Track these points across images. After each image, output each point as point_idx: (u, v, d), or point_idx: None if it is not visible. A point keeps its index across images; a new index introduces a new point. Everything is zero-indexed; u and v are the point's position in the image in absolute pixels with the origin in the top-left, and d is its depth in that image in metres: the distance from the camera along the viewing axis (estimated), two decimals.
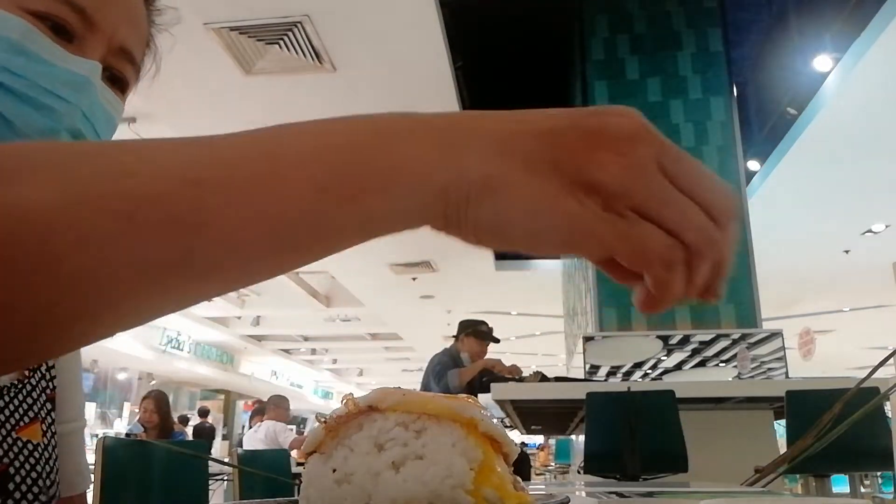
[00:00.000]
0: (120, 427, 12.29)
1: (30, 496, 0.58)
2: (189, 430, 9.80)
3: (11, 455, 0.57)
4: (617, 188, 0.30)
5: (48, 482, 0.61)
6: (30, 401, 0.61)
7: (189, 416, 11.30)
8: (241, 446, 7.57)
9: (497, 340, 4.51)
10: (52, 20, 0.56)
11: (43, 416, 0.63)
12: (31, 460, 0.59)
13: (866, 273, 8.39)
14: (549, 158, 0.30)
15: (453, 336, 4.54)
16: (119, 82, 0.62)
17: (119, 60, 0.61)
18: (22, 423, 0.59)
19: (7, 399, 0.59)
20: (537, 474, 9.35)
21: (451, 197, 0.30)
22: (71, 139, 0.59)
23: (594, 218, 0.30)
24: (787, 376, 4.04)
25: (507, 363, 4.26)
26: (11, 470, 0.57)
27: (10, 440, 0.58)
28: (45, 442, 0.62)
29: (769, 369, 4.04)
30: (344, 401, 0.41)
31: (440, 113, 0.32)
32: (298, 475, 0.43)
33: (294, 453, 4.86)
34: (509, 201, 0.30)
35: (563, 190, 0.30)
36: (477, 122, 0.31)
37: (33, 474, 0.59)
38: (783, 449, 3.45)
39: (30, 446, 0.59)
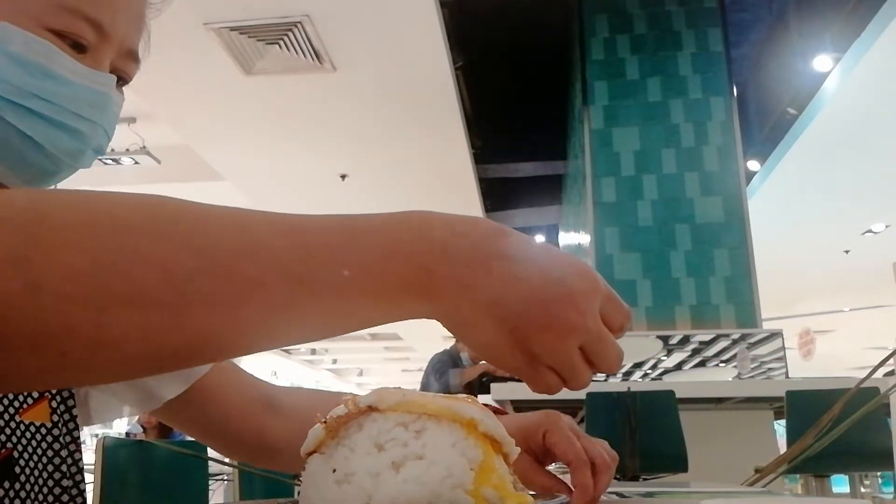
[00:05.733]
0: (119, 427, 12.27)
1: (41, 480, 0.57)
2: None
3: (14, 439, 0.56)
4: (545, 359, 0.44)
5: (53, 462, 0.59)
6: None
7: None
8: None
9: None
10: (71, 38, 0.57)
11: (53, 392, 0.61)
12: (34, 442, 0.58)
13: (866, 273, 8.38)
14: (512, 322, 0.42)
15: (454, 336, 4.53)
16: (122, 80, 0.64)
17: (125, 62, 0.63)
18: (27, 405, 0.58)
19: None
20: None
21: (435, 314, 0.42)
22: (94, 155, 0.62)
23: (523, 366, 0.45)
24: (787, 376, 4.03)
25: None
26: (16, 454, 0.56)
27: (12, 425, 0.57)
28: (55, 420, 0.60)
29: (769, 369, 4.04)
30: (344, 401, 0.41)
31: (465, 242, 0.42)
32: (298, 475, 0.44)
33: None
34: (474, 338, 0.43)
35: (510, 344, 0.43)
36: (483, 276, 0.41)
37: (43, 459, 0.57)
38: (783, 449, 3.45)
39: (32, 428, 0.58)
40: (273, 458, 0.79)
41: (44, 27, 0.56)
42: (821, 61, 5.07)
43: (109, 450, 1.70)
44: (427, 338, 12.75)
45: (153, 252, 0.35)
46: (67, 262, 0.33)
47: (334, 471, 0.39)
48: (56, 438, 0.60)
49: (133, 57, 0.64)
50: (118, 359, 0.35)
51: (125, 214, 0.35)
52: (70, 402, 0.63)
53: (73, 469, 0.62)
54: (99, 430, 12.03)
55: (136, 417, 5.68)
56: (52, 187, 0.61)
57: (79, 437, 0.64)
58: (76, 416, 0.64)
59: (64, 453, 0.61)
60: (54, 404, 0.61)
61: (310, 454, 0.42)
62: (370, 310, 0.40)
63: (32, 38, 0.55)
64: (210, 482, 2.65)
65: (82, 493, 0.62)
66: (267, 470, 2.43)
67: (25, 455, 0.57)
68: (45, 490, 0.58)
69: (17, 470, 0.56)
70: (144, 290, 0.34)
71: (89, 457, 1.99)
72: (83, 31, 0.57)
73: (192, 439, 0.85)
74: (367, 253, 0.40)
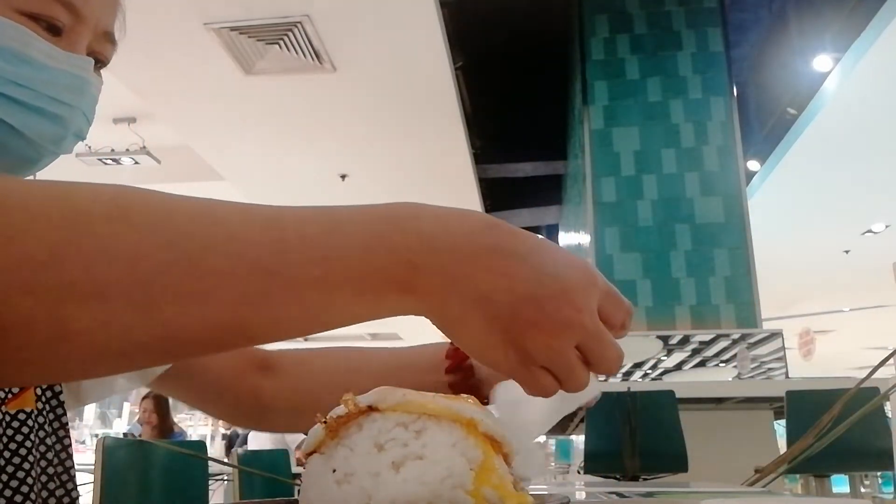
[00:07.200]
0: (119, 427, 12.27)
1: (25, 465, 0.56)
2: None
3: (0, 430, 0.55)
4: (539, 359, 0.42)
5: (39, 449, 0.57)
6: None
7: (189, 416, 11.27)
8: (245, 445, 7.54)
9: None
10: (45, 21, 0.56)
11: None
12: (24, 430, 0.56)
13: (866, 273, 8.39)
14: (504, 320, 0.40)
15: None
16: (101, 63, 0.63)
17: (101, 44, 0.62)
18: (11, 394, 0.57)
19: None
20: None
21: (422, 311, 0.41)
22: (75, 140, 0.61)
23: (516, 367, 0.42)
24: (787, 376, 4.03)
25: None
26: (0, 445, 0.55)
27: None
28: (40, 407, 0.59)
29: (769, 369, 4.04)
30: (344, 401, 0.41)
31: (457, 242, 0.40)
32: (298, 475, 0.44)
33: (297, 453, 4.85)
34: (463, 336, 0.42)
35: (502, 342, 0.41)
36: (471, 270, 0.40)
37: (27, 444, 0.56)
38: (783, 449, 3.45)
39: (21, 416, 0.57)
40: (272, 418, 0.78)
41: (16, 10, 0.55)
42: (821, 61, 5.07)
43: (109, 450, 1.70)
44: (427, 338, 12.71)
45: (118, 244, 0.33)
46: (25, 252, 0.32)
47: (334, 471, 0.39)
48: (42, 426, 0.59)
49: (109, 39, 0.63)
50: (82, 354, 0.34)
51: (89, 204, 0.34)
52: (56, 388, 0.62)
53: (63, 455, 0.61)
54: (99, 430, 12.03)
55: (136, 417, 5.67)
56: (32, 176, 0.61)
57: (67, 422, 0.62)
58: (63, 402, 0.62)
59: (51, 440, 0.60)
60: (39, 391, 0.60)
61: (310, 454, 0.42)
62: (352, 305, 0.39)
63: (6, 22, 0.54)
64: (210, 482, 2.65)
65: (73, 478, 0.61)
66: (267, 470, 2.44)
67: (12, 445, 0.55)
68: (32, 475, 0.57)
69: (3, 462, 0.55)
70: (108, 282, 0.33)
71: (89, 457, 1.98)
72: (57, 13, 0.57)
73: (192, 439, 0.84)
74: (347, 245, 0.38)
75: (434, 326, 0.43)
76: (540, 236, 0.43)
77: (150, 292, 0.34)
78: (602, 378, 0.55)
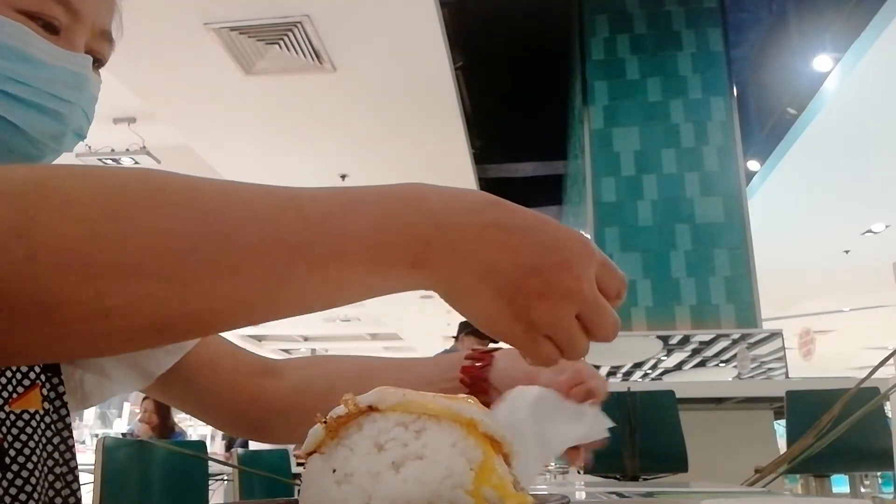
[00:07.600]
0: (119, 427, 12.27)
1: (30, 464, 0.56)
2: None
3: (4, 430, 0.55)
4: (542, 328, 0.45)
5: (47, 449, 0.58)
6: (25, 368, 0.58)
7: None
8: (246, 446, 7.53)
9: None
10: (43, 19, 0.57)
11: (44, 379, 0.60)
12: (28, 430, 0.57)
13: (866, 273, 8.38)
14: (509, 291, 0.43)
15: (453, 336, 4.54)
16: (98, 62, 0.64)
17: (99, 42, 0.62)
18: (16, 394, 0.57)
19: None
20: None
21: (432, 285, 0.43)
22: (76, 138, 0.62)
23: (521, 336, 0.45)
24: (787, 376, 4.03)
25: None
26: (6, 444, 0.55)
27: (1, 415, 0.56)
28: (46, 408, 0.59)
29: (769, 369, 4.04)
30: (344, 401, 0.41)
31: (463, 217, 0.42)
32: (298, 475, 0.44)
33: (296, 453, 4.84)
34: (472, 308, 0.44)
35: (508, 313, 0.44)
36: (477, 245, 0.42)
37: (30, 443, 0.56)
38: (783, 449, 3.45)
39: (26, 415, 0.57)
40: (272, 423, 0.77)
41: (14, 9, 0.55)
42: (821, 61, 5.07)
43: (109, 450, 1.71)
44: (427, 338, 12.76)
45: (154, 222, 0.35)
46: (66, 231, 0.33)
47: (334, 471, 0.39)
48: (48, 426, 0.59)
49: (106, 37, 0.63)
50: (120, 329, 0.36)
51: (126, 186, 0.36)
52: (60, 389, 0.62)
53: (68, 455, 0.61)
54: (99, 429, 12.03)
55: (137, 417, 5.67)
56: None
57: (70, 423, 0.63)
58: (67, 403, 0.63)
59: (56, 440, 0.60)
60: (44, 392, 0.60)
61: (310, 454, 0.42)
62: (368, 280, 0.42)
63: (5, 21, 0.54)
64: (210, 482, 2.65)
65: (77, 478, 0.62)
66: (267, 470, 2.44)
67: (17, 444, 0.56)
68: (35, 474, 0.57)
69: (8, 461, 0.55)
70: (145, 259, 0.35)
71: (89, 457, 1.99)
72: (54, 11, 0.57)
73: (192, 439, 0.84)
74: (362, 223, 0.41)
75: (433, 326, 0.43)
76: (538, 212, 0.45)
77: (184, 268, 0.36)
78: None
